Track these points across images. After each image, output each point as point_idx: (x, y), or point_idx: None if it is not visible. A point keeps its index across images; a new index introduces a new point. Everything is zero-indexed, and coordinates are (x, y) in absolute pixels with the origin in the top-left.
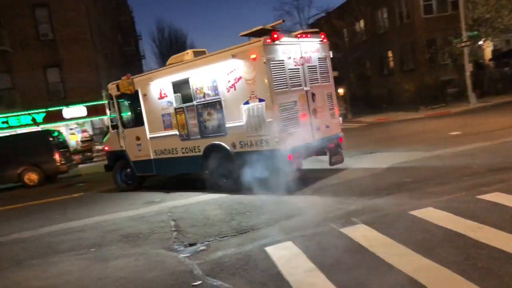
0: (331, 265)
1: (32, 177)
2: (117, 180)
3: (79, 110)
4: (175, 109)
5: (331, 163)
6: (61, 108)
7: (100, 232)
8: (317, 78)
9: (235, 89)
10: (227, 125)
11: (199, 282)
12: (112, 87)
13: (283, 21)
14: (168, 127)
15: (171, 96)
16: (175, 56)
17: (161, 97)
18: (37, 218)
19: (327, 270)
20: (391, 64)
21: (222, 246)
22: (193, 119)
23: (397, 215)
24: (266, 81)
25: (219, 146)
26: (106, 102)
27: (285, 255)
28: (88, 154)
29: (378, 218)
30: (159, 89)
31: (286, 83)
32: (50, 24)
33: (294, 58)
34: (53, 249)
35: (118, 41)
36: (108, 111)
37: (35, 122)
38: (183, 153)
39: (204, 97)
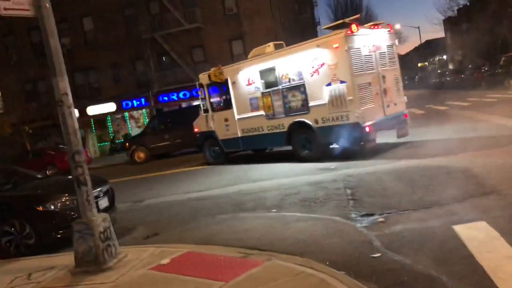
0: None
1: None
2: (206, 156)
3: None
4: (262, 93)
5: (398, 136)
6: None
7: (280, 194)
8: (386, 63)
9: (318, 74)
10: (310, 104)
11: (378, 255)
12: (203, 77)
13: (360, 15)
14: (255, 109)
15: (258, 83)
16: (257, 48)
17: (249, 84)
18: (223, 178)
19: None
20: None
21: (402, 220)
22: (278, 101)
23: None
24: (347, 65)
25: (303, 122)
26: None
27: (478, 236)
28: None
29: None
30: (247, 77)
31: (362, 67)
32: None
33: (368, 46)
34: (239, 207)
35: (294, 9)
36: (200, 97)
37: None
38: (269, 130)
39: (289, 81)
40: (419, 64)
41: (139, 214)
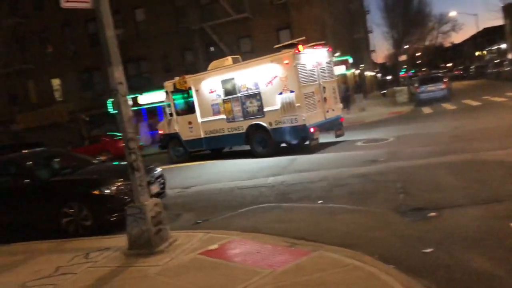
0: None
1: None
2: (171, 155)
3: None
4: (223, 100)
5: (336, 136)
6: None
7: (327, 186)
8: (326, 76)
9: (272, 84)
10: (265, 109)
11: (430, 250)
12: (168, 85)
13: (305, 38)
14: (216, 113)
15: (219, 91)
16: (216, 61)
17: (211, 92)
18: (268, 167)
19: None
20: None
21: (455, 215)
22: (237, 106)
23: None
24: (295, 78)
25: (259, 124)
26: (165, 94)
27: None
28: None
29: None
30: (209, 85)
31: (307, 79)
32: None
33: (311, 62)
34: (284, 197)
35: None
36: (165, 103)
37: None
38: (229, 131)
39: (247, 90)
40: (476, 53)
41: (188, 200)
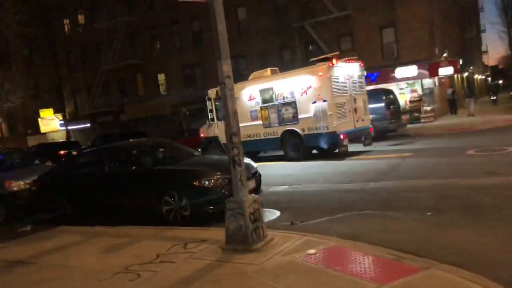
0: None
1: None
2: None
3: (410, 70)
4: (261, 107)
5: (364, 145)
6: (393, 68)
7: (436, 196)
8: (357, 88)
9: (306, 94)
10: (299, 117)
11: None
12: (211, 92)
13: (339, 52)
14: (254, 119)
15: (258, 98)
16: (256, 72)
17: (250, 99)
18: (367, 171)
19: None
20: None
21: None
22: (274, 113)
23: None
24: (328, 89)
25: (293, 130)
26: (207, 101)
27: None
28: (416, 114)
29: None
30: (248, 94)
31: (339, 90)
32: None
33: (344, 75)
34: (387, 204)
35: None
36: (208, 109)
37: (368, 82)
38: (265, 136)
39: (283, 99)
40: None
41: (282, 199)
